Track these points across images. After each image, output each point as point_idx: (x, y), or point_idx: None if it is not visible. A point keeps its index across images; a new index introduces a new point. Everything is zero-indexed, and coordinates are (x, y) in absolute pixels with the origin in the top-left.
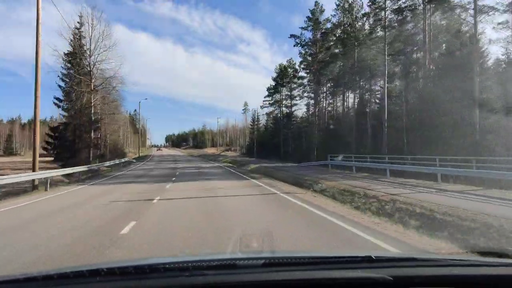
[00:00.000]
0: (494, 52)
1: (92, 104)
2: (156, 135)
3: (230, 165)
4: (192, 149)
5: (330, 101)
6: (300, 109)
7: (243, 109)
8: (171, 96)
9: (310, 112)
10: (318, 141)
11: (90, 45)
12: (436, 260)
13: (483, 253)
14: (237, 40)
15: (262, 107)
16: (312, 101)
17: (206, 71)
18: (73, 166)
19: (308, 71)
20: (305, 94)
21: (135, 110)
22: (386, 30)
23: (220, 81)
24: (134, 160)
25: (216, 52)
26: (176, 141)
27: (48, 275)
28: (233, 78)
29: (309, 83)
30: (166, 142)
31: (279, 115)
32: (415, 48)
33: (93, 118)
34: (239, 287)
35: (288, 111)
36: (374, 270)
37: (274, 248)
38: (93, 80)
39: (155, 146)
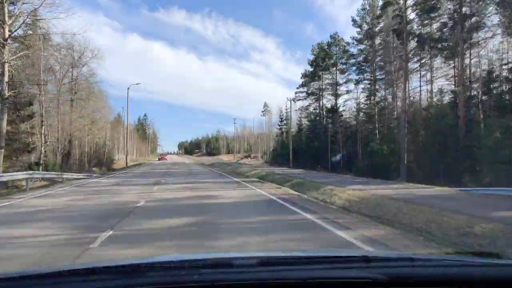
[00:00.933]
0: None
1: (5, 64)
2: (170, 142)
3: (284, 190)
4: (205, 156)
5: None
6: (356, 99)
7: (262, 111)
8: (185, 104)
9: (370, 103)
10: (413, 145)
11: None
12: (432, 260)
13: (480, 254)
14: (250, 48)
15: (294, 99)
16: (369, 88)
17: (219, 79)
18: None
19: (363, 39)
20: (357, 77)
21: (145, 115)
22: None
23: (233, 89)
24: (82, 176)
25: (229, 60)
26: (188, 148)
27: (43, 274)
28: (246, 86)
29: (368, 57)
30: (179, 149)
31: (317, 110)
32: None
33: (6, 93)
34: (234, 286)
35: (333, 103)
36: (370, 269)
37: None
38: (9, 21)
39: (167, 153)
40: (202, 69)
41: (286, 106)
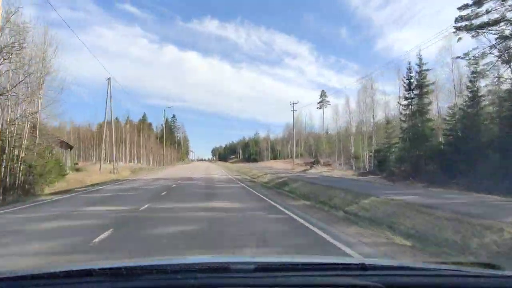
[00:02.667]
0: None
1: None
2: (203, 149)
3: None
4: (243, 163)
5: None
6: None
7: (319, 102)
8: (218, 111)
9: None
10: None
11: None
12: (430, 270)
13: (480, 265)
14: (283, 54)
15: (458, 28)
16: None
17: (253, 86)
18: None
19: None
20: None
21: (173, 116)
22: None
23: (267, 95)
24: None
25: (262, 67)
26: (223, 153)
27: (38, 274)
28: (280, 92)
29: None
30: (213, 156)
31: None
32: None
33: None
34: None
35: None
36: (367, 277)
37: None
38: None
39: (201, 160)
40: (235, 76)
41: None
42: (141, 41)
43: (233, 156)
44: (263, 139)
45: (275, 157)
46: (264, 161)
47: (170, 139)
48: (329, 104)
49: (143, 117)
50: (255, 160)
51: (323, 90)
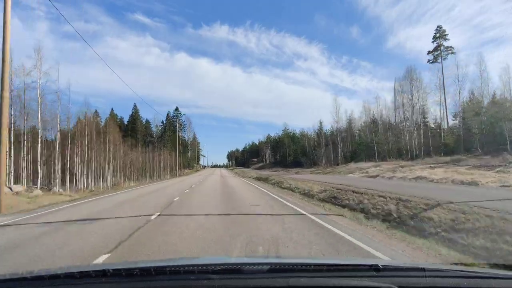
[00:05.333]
0: None
1: None
2: (218, 154)
3: None
4: (276, 169)
5: None
6: None
7: (435, 38)
8: (232, 116)
9: None
10: None
11: None
12: (444, 271)
13: (494, 266)
14: (294, 57)
15: None
16: None
17: (265, 90)
18: None
19: None
20: None
21: (176, 109)
22: None
23: (279, 99)
24: None
25: (273, 70)
26: (241, 157)
27: (55, 275)
28: (293, 95)
29: None
30: (229, 161)
31: None
32: None
33: None
34: None
35: None
36: (380, 279)
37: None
38: None
39: (215, 166)
40: (247, 81)
41: None
42: (153, 50)
43: (255, 160)
44: (306, 136)
45: (347, 159)
46: (323, 167)
47: (172, 140)
48: (453, 52)
49: (110, 113)
50: (298, 164)
51: (439, 27)
